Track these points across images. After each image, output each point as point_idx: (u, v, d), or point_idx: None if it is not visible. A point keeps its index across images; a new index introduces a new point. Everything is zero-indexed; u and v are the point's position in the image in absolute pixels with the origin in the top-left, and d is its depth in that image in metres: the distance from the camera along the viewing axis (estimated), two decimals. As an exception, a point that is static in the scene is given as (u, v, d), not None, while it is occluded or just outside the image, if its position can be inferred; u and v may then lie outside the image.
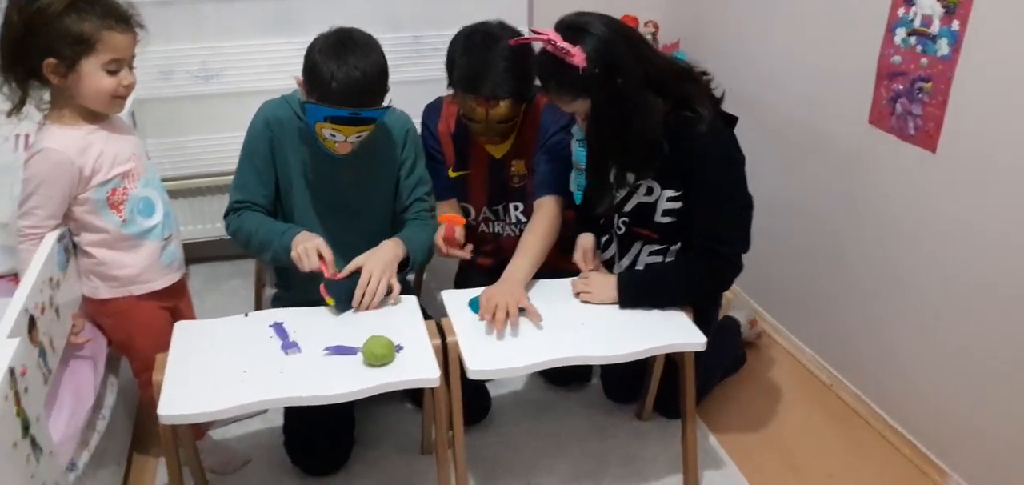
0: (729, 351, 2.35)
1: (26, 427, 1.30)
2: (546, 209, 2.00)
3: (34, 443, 1.32)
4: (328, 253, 1.77)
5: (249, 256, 2.13)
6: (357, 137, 1.78)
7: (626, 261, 1.97)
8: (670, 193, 1.84)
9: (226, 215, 1.91)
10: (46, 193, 1.62)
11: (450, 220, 2.00)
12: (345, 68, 1.69)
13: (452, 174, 2.18)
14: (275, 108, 1.90)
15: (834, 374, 2.35)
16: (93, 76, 1.59)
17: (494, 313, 1.73)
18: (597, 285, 1.86)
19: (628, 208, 1.92)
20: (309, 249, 1.75)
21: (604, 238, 2.04)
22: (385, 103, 1.80)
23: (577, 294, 1.87)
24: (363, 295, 1.76)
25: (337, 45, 1.73)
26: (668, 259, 1.91)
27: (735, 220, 1.83)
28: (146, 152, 1.81)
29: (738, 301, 2.56)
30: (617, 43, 1.66)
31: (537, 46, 1.75)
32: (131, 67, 1.66)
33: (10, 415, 1.24)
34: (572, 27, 1.65)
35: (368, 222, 1.95)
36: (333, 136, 1.76)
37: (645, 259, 1.94)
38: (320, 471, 2.00)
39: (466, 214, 2.21)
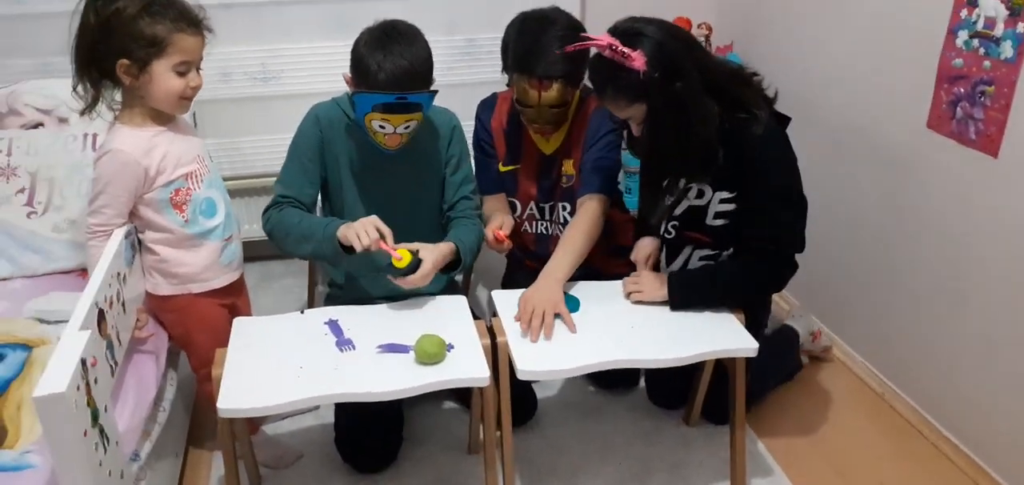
0: (786, 362, 2.33)
1: (95, 416, 1.35)
2: (590, 206, 2.00)
3: (102, 432, 1.38)
4: (386, 229, 1.75)
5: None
6: (406, 127, 1.80)
7: (676, 265, 1.96)
8: (723, 195, 1.83)
9: (266, 210, 1.91)
10: (113, 192, 1.69)
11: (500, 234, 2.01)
12: (391, 57, 1.73)
13: (502, 168, 2.20)
14: (326, 109, 1.95)
15: (886, 383, 2.31)
16: (163, 77, 1.65)
17: (530, 319, 1.73)
18: (648, 283, 1.86)
19: (678, 212, 1.91)
20: (366, 225, 1.74)
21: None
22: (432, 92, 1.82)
23: (628, 294, 1.87)
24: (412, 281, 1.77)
25: (382, 37, 1.77)
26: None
27: (790, 220, 1.82)
28: (209, 154, 1.86)
29: (798, 311, 2.52)
30: (675, 47, 1.66)
31: (589, 51, 1.75)
32: (198, 69, 1.72)
33: (81, 404, 1.29)
34: (628, 32, 1.65)
35: (417, 220, 1.97)
36: (383, 127, 1.79)
37: (695, 264, 1.93)
38: (370, 468, 2.03)
39: (513, 209, 2.23)
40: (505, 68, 2.04)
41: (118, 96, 1.72)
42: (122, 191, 1.69)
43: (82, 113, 1.70)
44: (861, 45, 2.26)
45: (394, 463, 2.05)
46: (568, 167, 2.16)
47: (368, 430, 1.99)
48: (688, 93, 1.66)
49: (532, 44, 1.94)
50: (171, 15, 1.63)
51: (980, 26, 1.84)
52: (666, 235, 1.96)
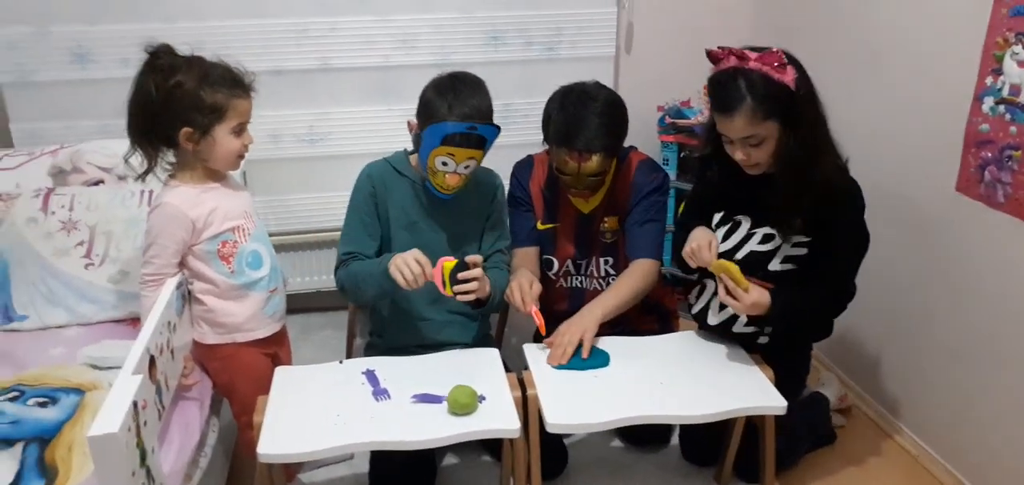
0: (817, 427, 2.32)
1: (143, 457, 1.42)
2: (643, 268, 2.11)
3: (149, 473, 1.44)
4: (424, 259, 1.80)
5: (344, 307, 2.22)
6: (466, 167, 1.90)
7: (726, 314, 1.94)
8: (799, 239, 1.86)
9: (336, 270, 2.02)
10: (162, 243, 1.79)
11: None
12: (461, 98, 1.87)
13: (540, 227, 2.26)
14: (377, 167, 2.06)
15: (921, 445, 2.28)
16: (224, 140, 1.77)
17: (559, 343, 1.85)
18: (755, 292, 1.80)
19: (740, 256, 1.92)
20: (408, 261, 1.78)
21: (697, 288, 2.05)
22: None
23: (726, 299, 1.81)
24: (468, 280, 1.82)
25: (450, 81, 1.91)
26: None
27: (861, 255, 1.92)
28: (256, 211, 1.96)
29: (826, 377, 2.52)
30: (809, 79, 1.75)
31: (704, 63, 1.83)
32: (247, 126, 1.83)
33: (131, 445, 1.36)
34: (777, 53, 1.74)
35: None
36: (445, 165, 1.88)
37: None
38: (402, 518, 2.06)
39: (549, 266, 2.28)
40: (546, 139, 2.11)
41: (170, 157, 1.83)
42: (170, 242, 1.79)
43: (138, 179, 1.81)
44: (891, 110, 2.30)
45: (426, 514, 2.08)
46: (611, 223, 2.22)
47: (401, 480, 2.03)
48: (821, 123, 1.77)
49: (573, 118, 2.01)
50: (227, 82, 1.75)
51: (1005, 92, 1.87)
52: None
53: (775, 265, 1.88)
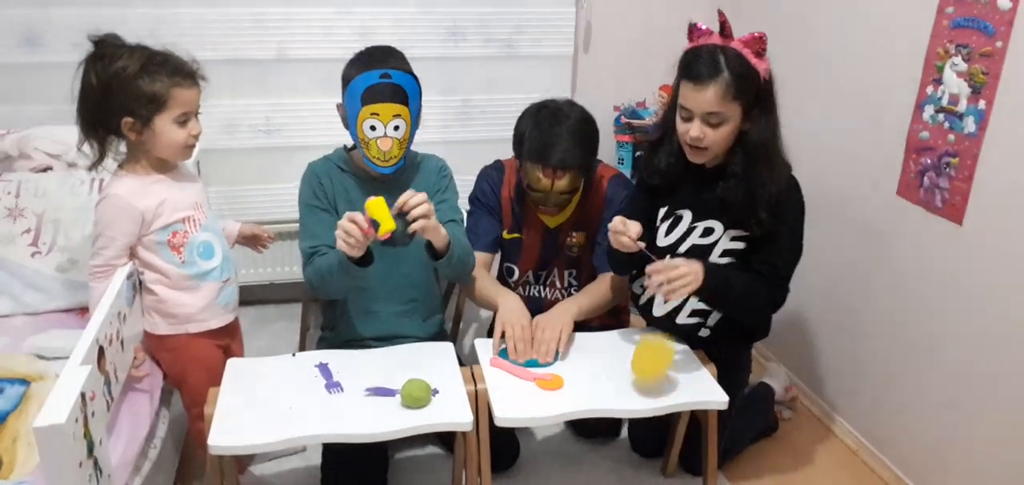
0: (761, 417, 2.38)
1: (91, 448, 1.41)
2: (618, 283, 2.15)
3: (96, 465, 1.44)
4: (354, 214, 1.72)
5: (298, 299, 2.20)
6: (396, 128, 1.88)
7: (671, 305, 1.98)
8: (735, 233, 1.90)
9: (304, 270, 1.97)
10: (110, 234, 1.77)
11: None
12: (374, 58, 1.90)
13: (506, 236, 2.27)
14: (318, 163, 2.05)
15: (860, 440, 2.36)
16: (166, 130, 1.75)
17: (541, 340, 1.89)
18: (686, 267, 1.78)
19: (683, 250, 1.95)
20: (341, 225, 1.70)
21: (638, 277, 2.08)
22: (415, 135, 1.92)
23: (660, 284, 1.78)
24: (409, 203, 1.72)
25: (365, 51, 1.93)
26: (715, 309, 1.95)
27: (796, 258, 1.95)
28: (208, 200, 1.94)
29: (774, 368, 2.59)
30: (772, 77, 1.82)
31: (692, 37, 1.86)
32: (197, 116, 1.81)
33: (79, 436, 1.35)
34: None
35: (409, 260, 2.01)
36: (374, 130, 1.87)
37: (692, 305, 1.96)
38: (355, 510, 2.06)
39: (510, 274, 2.30)
40: (518, 155, 2.11)
41: (122, 147, 1.81)
42: (119, 234, 1.77)
43: (90, 169, 1.79)
44: (836, 115, 2.37)
45: (379, 507, 2.09)
46: (579, 238, 2.25)
47: (354, 473, 2.03)
48: (777, 125, 1.83)
49: (548, 137, 2.02)
50: (167, 70, 1.73)
51: (945, 102, 1.95)
52: None
53: (714, 257, 1.93)
